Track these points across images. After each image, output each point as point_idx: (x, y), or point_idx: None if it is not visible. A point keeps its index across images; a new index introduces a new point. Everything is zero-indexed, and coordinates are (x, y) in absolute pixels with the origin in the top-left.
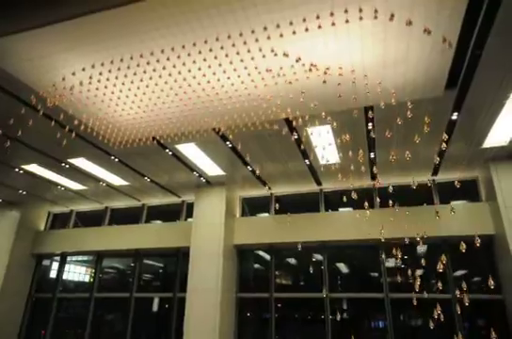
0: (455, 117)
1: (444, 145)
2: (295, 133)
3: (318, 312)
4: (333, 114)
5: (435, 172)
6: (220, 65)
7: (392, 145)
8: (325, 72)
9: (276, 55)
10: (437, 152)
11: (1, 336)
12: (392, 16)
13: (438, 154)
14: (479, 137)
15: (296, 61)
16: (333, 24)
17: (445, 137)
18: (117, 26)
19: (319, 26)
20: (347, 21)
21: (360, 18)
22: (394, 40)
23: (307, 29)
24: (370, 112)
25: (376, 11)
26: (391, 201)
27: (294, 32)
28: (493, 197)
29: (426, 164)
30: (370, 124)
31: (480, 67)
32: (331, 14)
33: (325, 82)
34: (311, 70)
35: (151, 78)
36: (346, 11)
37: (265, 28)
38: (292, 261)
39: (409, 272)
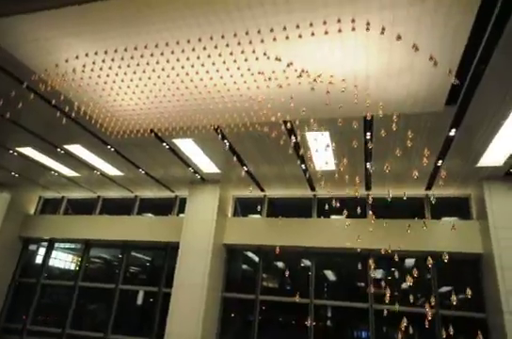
0: (452, 133)
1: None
2: (293, 137)
3: (302, 317)
4: (331, 122)
5: (429, 187)
6: (224, 62)
7: (388, 156)
8: (321, 81)
9: (279, 60)
10: (432, 167)
11: None
12: (399, 37)
13: (433, 170)
14: (475, 156)
15: (294, 70)
16: (339, 30)
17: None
18: (123, 16)
19: (326, 32)
20: (354, 29)
21: (367, 29)
22: (398, 53)
23: (313, 34)
24: (368, 122)
25: (383, 28)
26: (371, 212)
27: (300, 36)
28: (484, 216)
29: (421, 178)
30: (368, 134)
31: (481, 84)
32: (338, 20)
33: (313, 89)
34: (302, 76)
35: (153, 70)
36: (353, 21)
37: (272, 30)
38: (280, 264)
39: (395, 284)
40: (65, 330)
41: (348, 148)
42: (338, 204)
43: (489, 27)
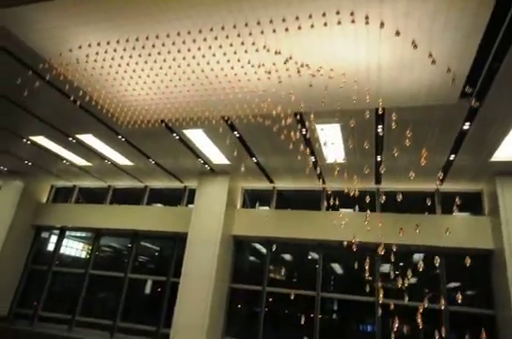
0: (466, 127)
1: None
2: (303, 129)
3: (308, 310)
4: (342, 114)
5: (440, 182)
6: (235, 53)
7: (400, 150)
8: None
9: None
10: (444, 161)
11: None
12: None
13: (445, 164)
14: (488, 150)
15: (302, 65)
16: (353, 21)
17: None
18: (135, 4)
19: (339, 22)
20: (367, 22)
21: (381, 25)
22: (412, 51)
23: (325, 24)
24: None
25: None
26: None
27: (312, 25)
28: (496, 212)
29: (432, 172)
30: (380, 127)
31: (498, 78)
32: (352, 14)
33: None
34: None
35: (164, 60)
36: (367, 17)
37: (284, 20)
38: (287, 257)
39: (403, 279)
40: (75, 316)
41: (359, 141)
42: (347, 198)
43: (506, 21)
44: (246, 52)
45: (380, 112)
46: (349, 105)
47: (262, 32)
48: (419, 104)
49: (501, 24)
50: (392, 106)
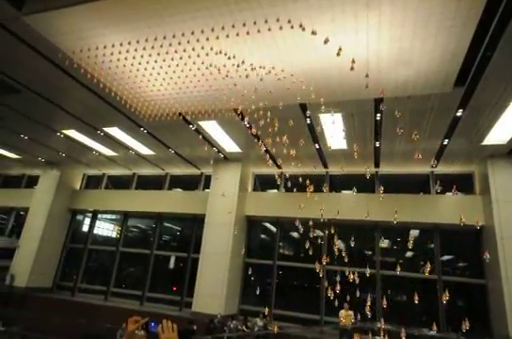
0: (459, 114)
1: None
2: (307, 118)
3: (315, 281)
4: (343, 104)
5: (434, 164)
6: (247, 50)
7: (397, 136)
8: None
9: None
10: (438, 145)
11: (42, 277)
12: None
13: (439, 148)
14: (480, 135)
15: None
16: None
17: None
18: (152, 6)
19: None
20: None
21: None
22: (409, 41)
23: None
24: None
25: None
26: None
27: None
28: (487, 191)
29: (427, 156)
30: (378, 115)
31: (490, 67)
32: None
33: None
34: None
35: (181, 58)
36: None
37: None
38: (295, 234)
39: (400, 253)
40: (109, 288)
41: (359, 128)
42: (348, 181)
43: (498, 14)
44: (258, 49)
45: (379, 101)
46: (350, 96)
47: (269, 29)
48: (416, 94)
49: (494, 15)
50: (390, 96)
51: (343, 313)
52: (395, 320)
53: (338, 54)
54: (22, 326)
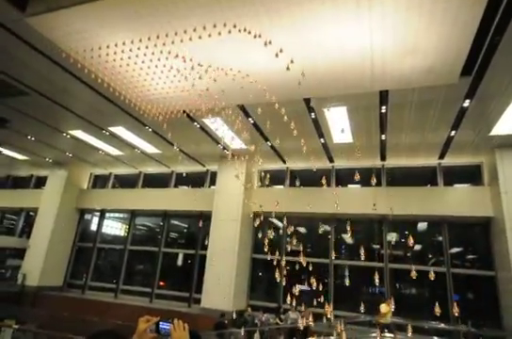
0: (466, 104)
1: (453, 131)
2: (312, 113)
3: (323, 276)
4: (348, 97)
5: (441, 156)
6: (248, 47)
7: (403, 128)
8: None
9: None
10: (445, 137)
11: (53, 275)
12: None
13: (446, 139)
14: (488, 125)
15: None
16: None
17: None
18: (153, 5)
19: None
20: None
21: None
22: (414, 27)
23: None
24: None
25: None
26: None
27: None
28: (495, 182)
29: (434, 148)
30: (384, 107)
31: (496, 56)
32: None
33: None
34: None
35: (184, 56)
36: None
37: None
38: (302, 229)
39: (408, 246)
40: (119, 285)
41: (364, 121)
42: (355, 175)
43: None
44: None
45: (384, 93)
46: (355, 89)
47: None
48: (422, 85)
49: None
50: (395, 88)
51: (384, 307)
52: (405, 313)
53: (290, 63)
54: (35, 323)
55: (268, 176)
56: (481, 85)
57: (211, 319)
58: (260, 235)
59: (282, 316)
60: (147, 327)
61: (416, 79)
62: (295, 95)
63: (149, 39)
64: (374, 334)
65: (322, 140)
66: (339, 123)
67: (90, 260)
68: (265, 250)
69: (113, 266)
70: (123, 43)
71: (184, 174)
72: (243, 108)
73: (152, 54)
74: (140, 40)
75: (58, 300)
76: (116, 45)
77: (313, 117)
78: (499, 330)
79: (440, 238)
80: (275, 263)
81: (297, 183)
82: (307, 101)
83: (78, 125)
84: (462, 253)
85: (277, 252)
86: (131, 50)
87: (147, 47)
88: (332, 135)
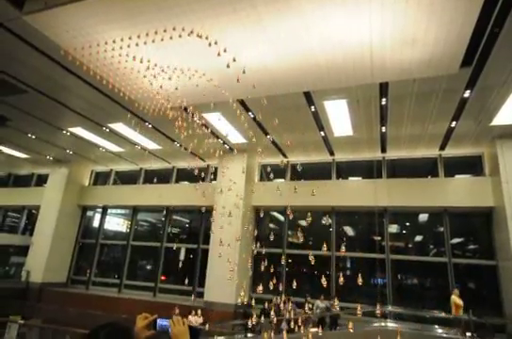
0: (467, 94)
1: (453, 122)
2: (312, 106)
3: (324, 268)
4: (347, 90)
5: (442, 147)
6: (245, 41)
7: (404, 120)
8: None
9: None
10: (446, 128)
11: (57, 272)
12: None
13: (446, 130)
14: (488, 116)
15: None
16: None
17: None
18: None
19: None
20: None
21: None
22: (414, 17)
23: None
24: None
25: None
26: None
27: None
28: (496, 172)
29: (435, 139)
30: (384, 99)
31: (497, 46)
32: None
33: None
34: None
35: (183, 51)
36: None
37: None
38: (303, 222)
39: (410, 237)
40: (122, 280)
41: (365, 114)
42: (355, 167)
43: None
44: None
45: (384, 85)
46: (356, 81)
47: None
48: (422, 76)
49: None
50: (396, 79)
51: (458, 300)
52: (406, 303)
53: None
54: (40, 319)
55: (270, 170)
56: (481, 75)
57: (217, 313)
58: (262, 229)
59: (310, 306)
60: (145, 324)
61: (416, 70)
62: (295, 88)
63: (147, 34)
64: (376, 324)
65: (322, 133)
66: (339, 116)
67: (93, 256)
68: (268, 243)
69: (116, 261)
70: (121, 39)
71: (188, 168)
72: (243, 103)
73: (151, 49)
74: (138, 37)
75: (63, 296)
76: (114, 41)
77: (313, 110)
78: (500, 318)
79: (442, 229)
80: (279, 257)
81: (299, 172)
82: (307, 95)
83: (78, 122)
84: (463, 244)
85: (282, 245)
86: (129, 46)
87: (145, 43)
88: (332, 128)
